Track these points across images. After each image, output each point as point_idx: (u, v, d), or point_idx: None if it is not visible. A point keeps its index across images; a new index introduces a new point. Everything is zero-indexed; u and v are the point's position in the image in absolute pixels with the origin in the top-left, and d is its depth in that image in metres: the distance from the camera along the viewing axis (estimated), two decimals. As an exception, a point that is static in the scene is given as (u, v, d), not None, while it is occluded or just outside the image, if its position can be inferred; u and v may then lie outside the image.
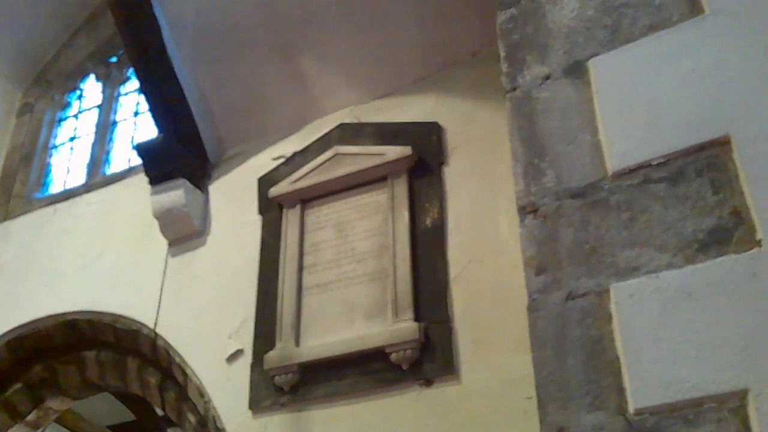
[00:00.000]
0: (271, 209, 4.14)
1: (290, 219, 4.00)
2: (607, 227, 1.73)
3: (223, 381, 3.84)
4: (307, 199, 4.01)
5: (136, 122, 5.55)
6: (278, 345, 3.66)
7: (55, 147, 5.90)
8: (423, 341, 3.32)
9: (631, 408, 1.53)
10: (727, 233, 1.58)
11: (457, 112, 3.90)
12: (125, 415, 7.24)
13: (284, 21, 4.32)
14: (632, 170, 1.75)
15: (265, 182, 4.26)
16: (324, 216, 3.93)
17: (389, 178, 3.79)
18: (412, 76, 4.15)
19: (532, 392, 1.68)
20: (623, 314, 1.62)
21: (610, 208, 1.75)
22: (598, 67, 1.93)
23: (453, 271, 3.46)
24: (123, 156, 5.41)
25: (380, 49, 4.19)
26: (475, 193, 3.60)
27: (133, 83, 5.70)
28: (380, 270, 3.60)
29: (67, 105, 6.10)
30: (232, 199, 4.44)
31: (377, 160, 3.84)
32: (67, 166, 5.71)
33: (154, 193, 4.45)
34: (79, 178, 5.49)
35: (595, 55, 1.96)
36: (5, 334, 4.76)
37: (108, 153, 5.53)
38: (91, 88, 6.05)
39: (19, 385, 4.84)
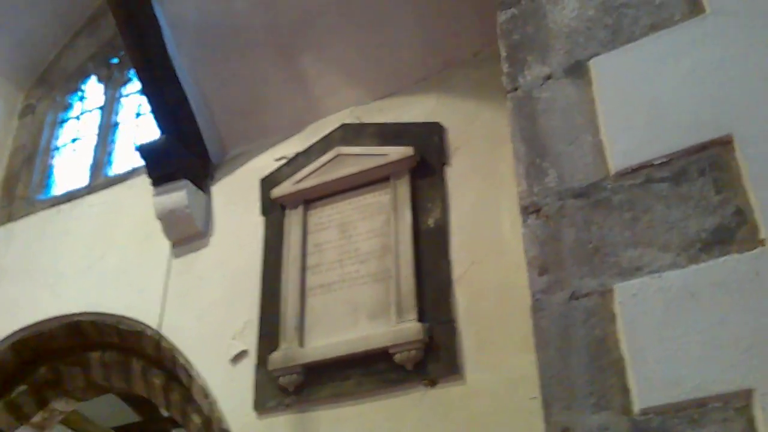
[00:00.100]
0: (273, 210, 4.14)
1: (293, 220, 4.00)
2: (610, 227, 1.73)
3: (227, 382, 3.85)
4: (310, 199, 4.01)
5: (138, 123, 5.55)
6: (282, 346, 3.66)
7: (57, 148, 5.91)
8: (427, 341, 3.32)
9: (636, 408, 1.53)
10: (730, 233, 1.58)
11: (458, 112, 3.90)
12: (130, 416, 7.25)
13: (285, 21, 4.32)
14: (634, 170, 1.75)
15: (268, 183, 4.26)
16: (327, 216, 3.93)
17: (391, 179, 3.79)
18: (413, 76, 4.15)
19: (537, 392, 1.68)
20: (627, 314, 1.62)
21: (612, 208, 1.75)
22: (600, 67, 1.93)
23: (456, 271, 3.45)
24: (125, 157, 5.41)
25: (381, 50, 4.19)
26: (478, 193, 3.59)
27: (135, 84, 5.70)
28: (383, 270, 3.60)
29: (69, 106, 6.10)
30: (235, 200, 4.44)
31: (379, 161, 3.84)
32: (69, 167, 5.72)
33: (156, 194, 4.46)
34: (81, 179, 5.49)
35: (596, 54, 1.96)
36: (9, 336, 4.77)
37: (110, 154, 5.53)
38: (93, 90, 6.06)
39: (24, 387, 4.85)
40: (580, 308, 1.69)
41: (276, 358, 3.63)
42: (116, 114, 5.75)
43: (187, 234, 4.41)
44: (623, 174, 1.77)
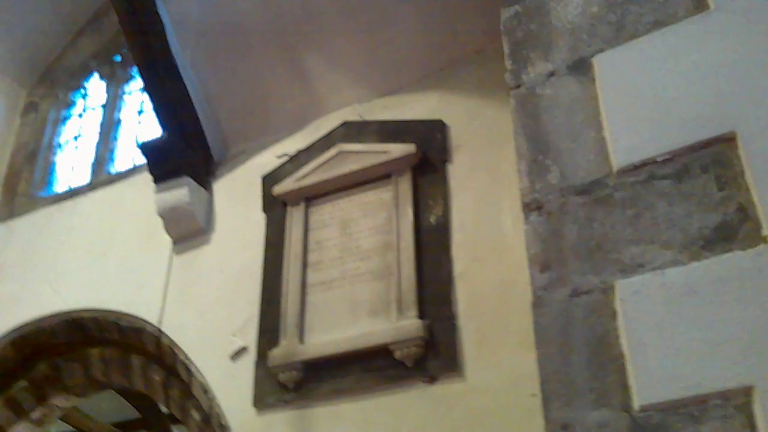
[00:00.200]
0: (275, 207, 4.14)
1: (294, 217, 4.00)
2: (612, 224, 1.73)
3: (227, 378, 3.85)
4: (311, 196, 4.01)
5: (140, 121, 5.56)
6: (282, 342, 3.67)
7: (60, 146, 5.92)
8: (427, 338, 3.31)
9: (636, 405, 1.53)
10: (733, 230, 1.58)
11: (461, 109, 3.90)
12: (130, 412, 7.26)
13: (288, 19, 4.32)
14: (637, 167, 1.75)
15: (269, 180, 4.26)
16: (328, 214, 3.93)
17: (393, 176, 3.79)
18: (415, 73, 4.15)
19: (537, 389, 1.68)
20: (628, 311, 1.62)
21: (614, 205, 1.75)
22: (603, 64, 1.93)
23: (457, 268, 3.45)
24: (127, 155, 5.42)
25: (384, 47, 4.19)
26: (480, 190, 3.59)
27: (137, 82, 5.70)
28: (384, 267, 3.60)
29: (72, 104, 6.11)
30: (237, 197, 4.44)
31: (381, 158, 3.84)
32: (71, 164, 5.73)
33: (158, 191, 4.46)
34: (83, 176, 5.50)
35: (600, 51, 1.96)
36: (10, 332, 4.77)
37: (112, 152, 5.54)
38: (95, 87, 6.07)
39: (24, 383, 4.86)
40: (581, 305, 1.69)
41: (276, 354, 3.63)
42: (118, 111, 5.76)
43: (188, 231, 4.42)
44: (626, 171, 1.76)
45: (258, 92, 4.53)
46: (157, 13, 4.39)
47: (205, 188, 4.54)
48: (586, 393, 1.60)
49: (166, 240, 4.47)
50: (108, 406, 7.00)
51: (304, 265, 3.83)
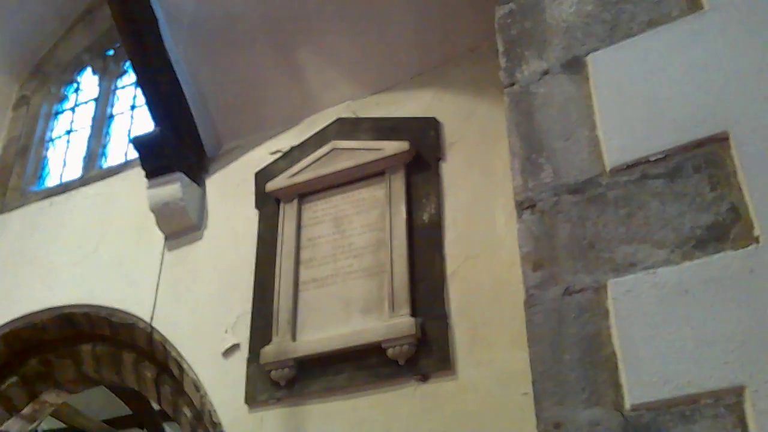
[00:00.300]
0: (268, 204, 4.13)
1: (287, 213, 3.99)
2: (605, 223, 1.73)
3: (219, 375, 3.84)
4: (305, 193, 4.00)
5: (133, 116, 5.54)
6: (275, 339, 3.66)
7: (52, 140, 5.89)
8: (419, 336, 3.32)
9: (628, 404, 1.53)
10: (725, 229, 1.58)
11: (454, 107, 3.90)
12: (121, 408, 7.24)
13: (282, 15, 4.31)
14: (630, 166, 1.75)
15: (262, 176, 4.25)
16: (321, 211, 3.92)
17: (387, 173, 3.79)
18: (409, 71, 4.15)
19: (529, 388, 1.68)
20: (620, 310, 1.62)
21: (607, 204, 1.75)
22: (597, 63, 1.93)
23: (450, 266, 3.45)
24: (120, 149, 5.40)
25: (378, 44, 4.19)
26: (473, 188, 3.59)
27: (130, 76, 5.68)
28: (377, 265, 3.60)
29: (64, 98, 6.09)
30: (229, 193, 4.43)
31: (375, 155, 3.84)
32: (63, 159, 5.70)
33: (150, 186, 4.44)
34: (75, 171, 5.48)
35: (594, 50, 1.95)
36: (1, 328, 4.75)
37: (105, 146, 5.52)
38: (88, 81, 6.04)
39: (14, 379, 4.84)
40: (574, 304, 1.69)
41: (268, 351, 3.62)
42: (111, 106, 5.74)
43: (181, 227, 4.40)
44: (619, 170, 1.76)
45: (252, 88, 4.52)
46: (150, 7, 4.37)
47: (198, 184, 4.53)
48: (578, 392, 1.60)
49: (159, 235, 4.46)
50: (99, 403, 6.99)
51: (297, 262, 3.82)
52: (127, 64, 5.64)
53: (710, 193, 1.63)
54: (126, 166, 5.08)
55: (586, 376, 1.60)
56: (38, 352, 4.81)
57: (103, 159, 5.44)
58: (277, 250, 3.90)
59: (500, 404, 3.03)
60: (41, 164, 5.76)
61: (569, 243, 1.76)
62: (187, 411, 4.12)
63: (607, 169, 1.78)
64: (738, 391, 1.43)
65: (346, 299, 3.61)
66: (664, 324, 1.56)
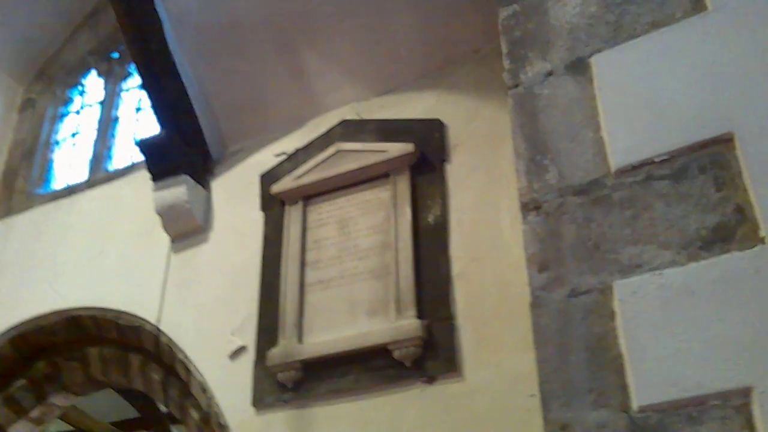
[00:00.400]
0: (273, 206, 4.14)
1: (292, 215, 3.99)
2: (610, 224, 1.73)
3: (226, 377, 3.85)
4: (310, 195, 4.01)
5: (138, 118, 5.55)
6: (281, 342, 3.66)
7: (57, 143, 5.90)
8: (426, 338, 3.31)
9: (635, 405, 1.53)
10: (731, 230, 1.58)
11: (459, 108, 3.90)
12: (129, 411, 7.26)
13: (286, 17, 4.32)
14: (635, 167, 1.75)
15: (268, 179, 4.25)
16: (326, 213, 3.93)
17: (391, 175, 3.79)
18: (414, 72, 4.15)
19: (536, 390, 1.68)
20: (626, 311, 1.62)
21: (612, 205, 1.75)
22: (601, 64, 1.93)
23: (455, 268, 3.45)
24: (125, 152, 5.41)
25: (382, 46, 4.19)
26: (478, 190, 3.59)
27: (135, 79, 5.69)
28: (383, 267, 3.60)
29: (69, 101, 6.10)
30: (235, 195, 4.44)
31: (379, 157, 3.84)
32: (69, 162, 5.72)
33: (156, 189, 4.45)
34: (81, 174, 5.49)
35: (598, 51, 1.96)
36: (8, 331, 4.76)
37: (110, 149, 5.53)
38: (93, 84, 6.05)
39: (22, 382, 4.85)
40: (580, 305, 1.69)
41: (275, 354, 3.62)
42: (116, 109, 5.75)
43: (186, 229, 4.41)
44: (624, 171, 1.76)
45: (256, 90, 4.52)
46: (155, 10, 4.38)
47: (203, 186, 4.53)
48: (584, 393, 1.60)
49: (165, 238, 4.47)
50: (107, 405, 7.01)
51: (303, 264, 3.83)
52: (132, 66, 5.65)
53: (715, 194, 1.63)
54: (131, 168, 5.09)
55: (593, 378, 1.60)
56: (46, 354, 4.82)
57: (109, 162, 5.45)
58: (282, 252, 3.91)
59: (507, 406, 3.02)
60: (47, 167, 5.77)
61: (575, 244, 1.76)
62: (194, 413, 4.13)
63: (612, 170, 1.78)
64: (745, 392, 1.43)
65: (351, 301, 3.61)
66: (671, 325, 1.56)
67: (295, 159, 4.23)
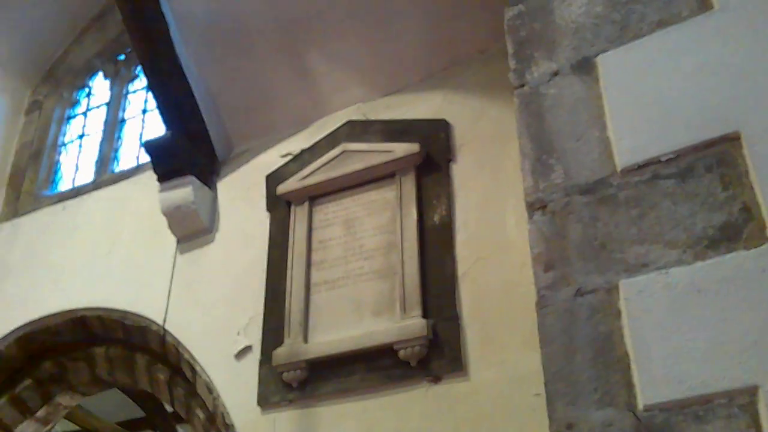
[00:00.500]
0: (279, 206, 4.14)
1: (298, 216, 4.00)
2: (616, 223, 1.73)
3: (231, 377, 3.86)
4: (315, 196, 4.01)
5: (145, 120, 5.57)
6: (287, 341, 3.67)
7: (64, 144, 5.93)
8: (431, 338, 3.32)
9: (641, 404, 1.53)
10: (737, 229, 1.58)
11: (465, 109, 3.90)
12: (134, 411, 7.27)
13: (292, 18, 4.33)
14: (641, 166, 1.75)
15: (273, 179, 4.26)
16: (332, 213, 3.93)
17: (397, 175, 3.79)
18: (419, 73, 4.15)
19: (541, 389, 1.68)
20: (632, 310, 1.62)
21: (618, 204, 1.75)
22: (607, 63, 1.93)
23: (461, 268, 3.45)
24: (131, 153, 5.43)
25: (388, 46, 4.19)
26: (484, 189, 3.59)
27: (142, 81, 5.71)
28: (388, 267, 3.60)
29: (76, 102, 6.12)
30: (241, 196, 4.45)
31: (385, 157, 3.84)
32: (75, 163, 5.74)
33: (162, 190, 4.46)
34: (87, 175, 5.51)
35: (604, 51, 1.95)
36: (15, 331, 4.78)
37: (116, 150, 5.55)
38: (100, 86, 6.08)
39: (28, 381, 4.87)
40: (586, 304, 1.69)
41: (280, 353, 3.63)
42: (123, 110, 5.77)
43: (192, 230, 4.42)
44: (630, 170, 1.76)
45: (262, 91, 4.53)
46: (161, 11, 4.39)
47: (210, 187, 4.54)
48: (590, 392, 1.60)
49: (171, 239, 4.48)
50: (113, 405, 7.02)
51: (308, 264, 3.83)
52: (139, 68, 5.67)
53: (722, 193, 1.62)
54: (138, 170, 5.11)
55: (599, 377, 1.60)
56: (52, 354, 4.84)
57: (115, 163, 5.47)
58: (288, 253, 3.91)
59: (512, 405, 3.02)
60: (54, 169, 5.79)
61: (580, 244, 1.76)
62: (200, 413, 4.14)
63: (618, 169, 1.78)
64: (751, 391, 1.43)
65: (357, 301, 3.61)
66: (677, 324, 1.55)
67: (300, 159, 4.23)
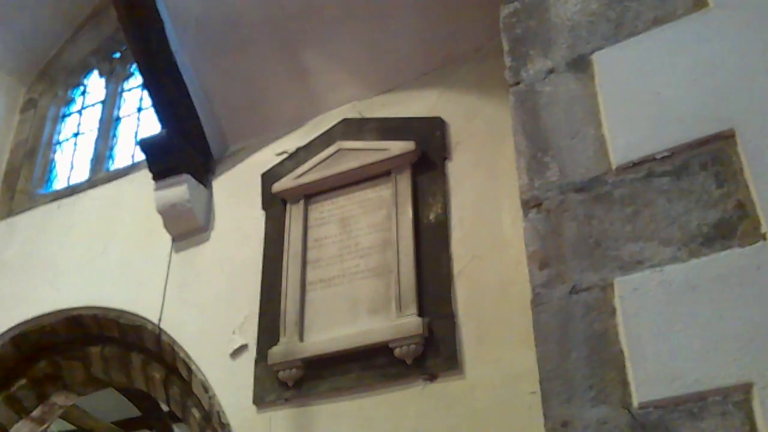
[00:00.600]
0: (274, 205, 4.14)
1: (294, 214, 4.00)
2: (611, 221, 1.73)
3: (227, 376, 3.85)
4: (311, 194, 4.01)
5: (140, 118, 5.56)
6: (282, 340, 3.67)
7: (59, 143, 5.92)
8: (427, 336, 3.32)
9: (636, 402, 1.53)
10: (732, 226, 1.58)
11: (460, 106, 3.90)
12: (130, 410, 7.26)
13: (287, 16, 4.32)
14: (636, 164, 1.75)
15: (269, 178, 4.26)
16: (327, 211, 3.93)
17: (393, 173, 3.79)
18: (415, 71, 4.15)
19: (536, 387, 1.68)
20: (627, 308, 1.62)
21: (613, 202, 1.75)
22: (602, 61, 1.93)
23: (456, 266, 3.45)
24: (126, 152, 5.42)
25: (383, 44, 4.19)
26: (479, 187, 3.59)
27: (137, 79, 5.71)
28: (384, 265, 3.60)
29: (71, 101, 6.11)
30: (236, 194, 4.44)
31: (380, 155, 3.84)
32: (70, 161, 5.72)
33: (157, 188, 4.46)
34: (82, 173, 5.50)
35: (599, 48, 1.96)
36: (10, 330, 4.77)
37: (111, 149, 5.54)
38: (95, 84, 6.06)
39: (24, 381, 4.86)
40: (581, 302, 1.69)
41: (276, 352, 3.63)
42: (118, 108, 5.76)
43: (188, 228, 4.41)
44: (625, 168, 1.76)
45: (257, 89, 4.53)
46: (156, 9, 4.38)
47: (205, 185, 4.54)
48: (585, 390, 1.60)
49: (166, 237, 4.47)
50: (108, 405, 7.00)
51: (304, 262, 3.83)
52: (134, 66, 5.66)
53: (717, 191, 1.63)
54: (133, 168, 5.10)
55: (594, 375, 1.60)
56: (47, 354, 4.82)
57: (110, 161, 5.46)
58: (283, 251, 3.91)
59: (508, 403, 3.02)
60: (49, 167, 5.78)
61: (576, 241, 1.76)
62: (195, 412, 4.13)
63: (613, 167, 1.78)
64: (746, 388, 1.43)
65: (353, 299, 3.61)
66: (672, 321, 1.56)
67: (296, 158, 4.23)
